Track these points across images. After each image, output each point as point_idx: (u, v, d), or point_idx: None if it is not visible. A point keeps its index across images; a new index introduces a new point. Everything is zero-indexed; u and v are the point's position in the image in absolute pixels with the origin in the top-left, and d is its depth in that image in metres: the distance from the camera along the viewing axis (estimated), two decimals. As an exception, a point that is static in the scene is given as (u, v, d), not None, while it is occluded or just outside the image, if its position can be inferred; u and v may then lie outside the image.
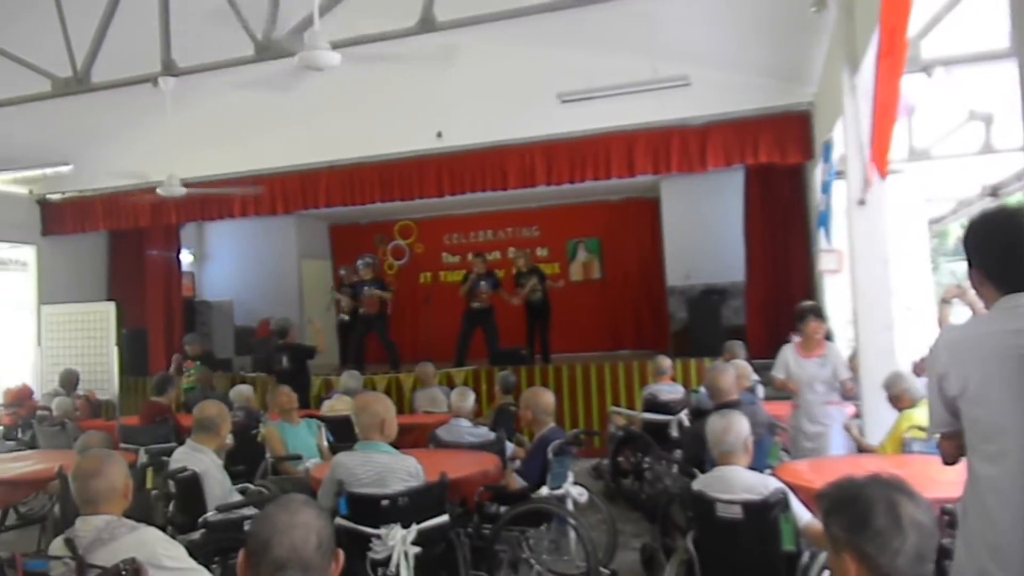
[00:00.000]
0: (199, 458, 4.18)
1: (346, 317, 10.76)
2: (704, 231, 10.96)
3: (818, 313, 5.55)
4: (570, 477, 4.51)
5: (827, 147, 6.67)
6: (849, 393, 5.46)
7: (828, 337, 7.01)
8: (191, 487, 4.08)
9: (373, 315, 10.47)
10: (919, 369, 5.24)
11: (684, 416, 6.39)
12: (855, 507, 1.64)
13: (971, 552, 2.10)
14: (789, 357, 5.52)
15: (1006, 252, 1.96)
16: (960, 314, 6.52)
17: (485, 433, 5.37)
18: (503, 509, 4.30)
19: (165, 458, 4.70)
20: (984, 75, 5.62)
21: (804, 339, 5.51)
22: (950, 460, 2.31)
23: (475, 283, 10.21)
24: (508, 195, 10.03)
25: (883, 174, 4.89)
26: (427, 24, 5.60)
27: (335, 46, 5.23)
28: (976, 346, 2.12)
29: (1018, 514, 1.96)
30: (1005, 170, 6.50)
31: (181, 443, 4.63)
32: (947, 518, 2.71)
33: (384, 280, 11.20)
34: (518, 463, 4.84)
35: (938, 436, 2.37)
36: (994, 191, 9.90)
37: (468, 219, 13.46)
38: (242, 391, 7.02)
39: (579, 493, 4.42)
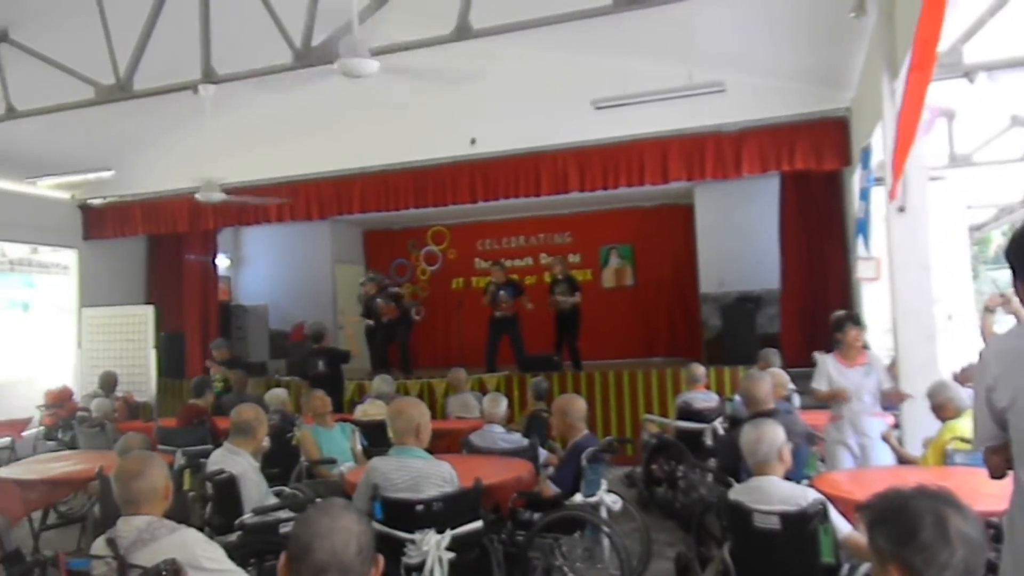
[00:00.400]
0: (236, 460, 4.22)
1: (372, 323, 10.85)
2: (738, 238, 10.87)
3: (857, 321, 5.41)
4: (604, 485, 4.48)
5: (865, 153, 6.57)
6: (896, 402, 5.32)
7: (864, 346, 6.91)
8: (228, 489, 4.12)
9: (395, 321, 10.60)
10: (962, 379, 5.13)
11: (719, 424, 6.32)
12: (902, 519, 1.60)
13: (1018, 566, 2.06)
14: (831, 367, 5.34)
15: None
16: (1003, 323, 6.39)
17: (518, 439, 5.36)
18: (536, 516, 4.29)
19: (202, 460, 4.76)
20: (1029, 80, 5.52)
21: (844, 348, 5.35)
22: (997, 474, 2.27)
23: (495, 293, 10.25)
24: (540, 201, 10.04)
25: (893, 193, 4.81)
26: (463, 32, 5.63)
27: (373, 53, 5.28)
28: None
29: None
30: (1050, 176, 6.33)
31: (218, 445, 4.68)
32: (992, 531, 2.65)
33: (392, 289, 11.23)
34: (551, 470, 4.82)
35: (984, 449, 2.33)
36: (1037, 198, 9.67)
37: (500, 225, 13.50)
38: (277, 394, 7.10)
39: (613, 501, 4.39)
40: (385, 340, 10.79)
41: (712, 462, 5.66)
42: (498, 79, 8.37)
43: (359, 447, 5.72)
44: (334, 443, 5.58)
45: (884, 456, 5.10)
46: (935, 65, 3.85)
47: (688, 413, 6.76)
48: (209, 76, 6.52)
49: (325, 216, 10.51)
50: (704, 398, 6.92)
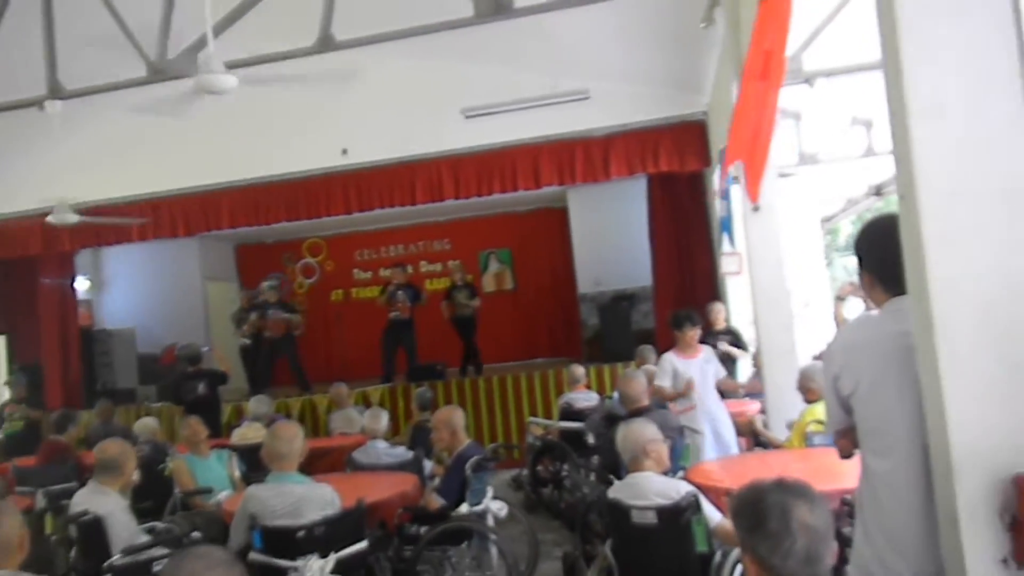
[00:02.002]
0: (102, 500, 3.99)
1: (247, 341, 10.44)
2: (612, 238, 11.19)
3: (694, 320, 5.74)
4: (489, 492, 4.52)
5: (722, 155, 6.92)
6: (731, 391, 5.66)
7: (733, 332, 7.30)
8: (94, 531, 3.89)
9: (279, 338, 10.21)
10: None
11: (592, 422, 6.46)
12: (754, 510, 1.78)
13: (869, 539, 2.22)
14: (674, 363, 5.63)
15: (893, 257, 2.07)
16: (854, 309, 6.87)
17: (403, 453, 5.34)
18: (423, 529, 4.28)
19: (66, 501, 4.48)
20: (863, 84, 5.97)
21: (683, 345, 5.67)
22: (845, 454, 2.43)
23: (393, 293, 10.13)
24: (418, 209, 9.99)
25: (753, 197, 5.10)
26: (326, 43, 5.56)
27: (232, 66, 5.14)
28: (866, 348, 2.25)
29: (909, 504, 2.09)
30: (887, 171, 6.90)
31: (83, 483, 4.42)
32: (847, 508, 2.86)
33: (291, 303, 10.90)
34: (437, 481, 4.82)
35: (833, 433, 2.50)
36: (878, 190, 10.49)
37: (378, 234, 13.35)
38: (147, 424, 6.76)
39: (499, 508, 4.44)
40: (269, 358, 10.43)
41: (595, 460, 5.81)
42: (368, 88, 8.28)
43: (237, 473, 5.53)
44: (210, 471, 5.37)
45: (734, 441, 5.42)
46: (784, 74, 4.11)
47: (570, 413, 6.91)
48: (56, 92, 6.15)
49: (192, 233, 10.09)
50: (584, 398, 7.09)
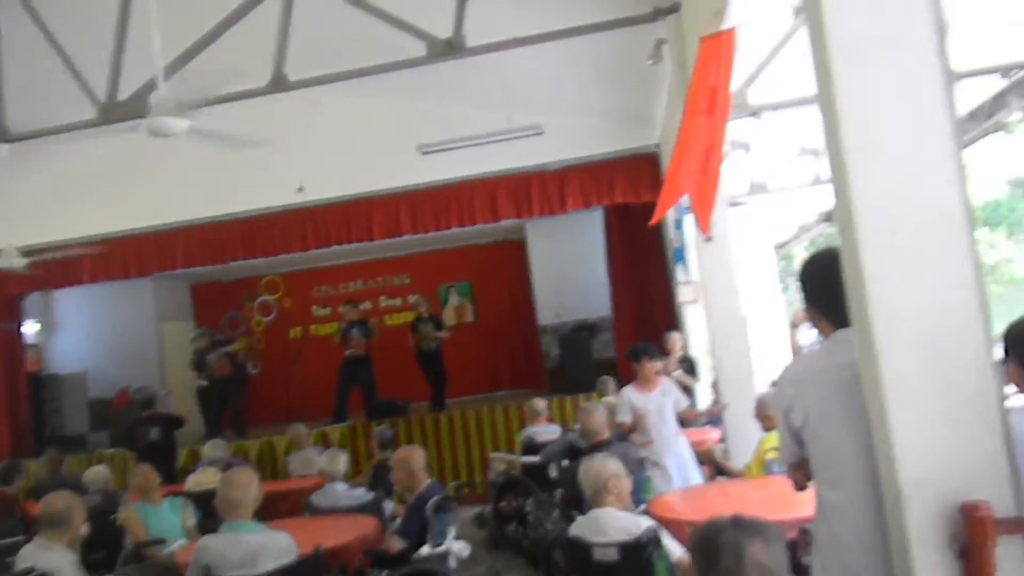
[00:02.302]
0: (49, 556, 3.85)
1: (204, 383, 10.28)
2: (571, 269, 11.26)
3: (652, 353, 5.76)
4: (451, 533, 4.46)
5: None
6: (691, 419, 5.69)
7: (689, 360, 7.34)
8: (41, 588, 3.76)
9: (227, 379, 10.11)
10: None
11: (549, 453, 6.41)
12: (708, 548, 1.81)
13: (826, 571, 2.23)
14: (632, 397, 5.64)
15: (835, 290, 2.11)
16: (808, 335, 6.97)
17: (362, 495, 5.25)
18: (385, 573, 4.21)
19: (10, 558, 4.31)
20: (809, 115, 6.13)
21: (641, 378, 5.68)
22: (799, 487, 2.45)
23: (347, 331, 10.05)
24: (377, 244, 9.97)
25: (705, 229, 5.18)
26: (279, 84, 5.55)
27: (183, 107, 5.08)
28: (814, 380, 2.28)
29: (862, 535, 2.12)
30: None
31: (30, 537, 4.26)
32: (805, 536, 2.87)
33: (223, 349, 10.77)
34: (398, 523, 4.75)
35: (787, 465, 2.52)
36: (828, 217, 10.75)
37: (337, 270, 13.24)
38: (98, 472, 6.55)
39: (461, 548, 4.38)
40: (219, 400, 10.25)
41: (558, 494, 5.78)
42: (323, 125, 8.29)
43: (192, 522, 5.37)
44: (163, 520, 5.21)
45: (696, 472, 5.43)
46: (729, 109, 4.21)
47: (532, 447, 6.87)
48: (3, 135, 6.04)
49: (145, 274, 9.92)
50: (547, 431, 7.08)
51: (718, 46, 3.39)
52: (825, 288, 2.26)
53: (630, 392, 5.67)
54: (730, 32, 3.68)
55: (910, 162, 1.91)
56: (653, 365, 5.67)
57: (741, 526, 1.81)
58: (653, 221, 5.42)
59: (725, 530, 1.80)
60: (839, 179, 1.98)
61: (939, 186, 1.91)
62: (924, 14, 1.93)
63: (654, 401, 5.56)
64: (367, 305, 13.11)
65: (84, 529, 4.21)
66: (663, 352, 6.75)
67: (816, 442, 2.26)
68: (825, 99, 2.00)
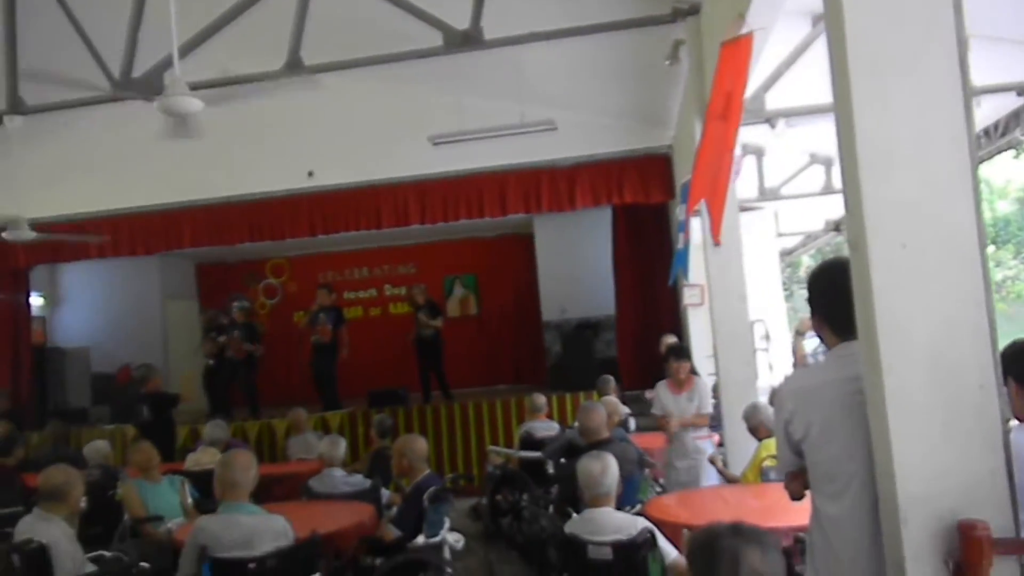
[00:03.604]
0: (47, 528, 3.87)
1: (211, 362, 10.26)
2: (577, 266, 11.24)
3: (679, 354, 5.77)
4: (447, 524, 4.48)
5: (684, 188, 7.01)
6: (700, 424, 5.71)
7: (694, 371, 7.33)
8: (38, 561, 3.77)
9: (239, 360, 10.02)
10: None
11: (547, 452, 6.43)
12: (706, 555, 1.81)
13: (818, 576, 2.24)
14: (664, 395, 5.71)
15: (842, 302, 2.10)
16: (812, 344, 6.95)
17: (360, 481, 5.27)
18: (379, 561, 4.22)
19: (9, 529, 4.33)
20: (822, 124, 6.12)
21: (672, 377, 5.73)
22: (796, 497, 2.45)
23: (315, 315, 9.78)
24: (383, 232, 9.96)
25: (716, 237, 5.18)
26: (294, 67, 5.55)
27: (199, 86, 5.08)
28: (816, 393, 2.27)
29: (858, 548, 2.12)
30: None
31: (30, 508, 4.28)
32: (799, 545, 2.88)
33: (256, 329, 10.64)
34: (395, 510, 4.76)
35: (784, 475, 2.52)
36: (836, 226, 10.73)
37: (343, 256, 13.25)
38: (98, 447, 6.56)
39: (455, 540, 4.39)
40: (226, 380, 10.23)
41: (554, 491, 5.79)
42: (335, 112, 8.28)
43: (189, 501, 5.39)
44: (161, 498, 5.23)
45: (712, 476, 5.42)
46: (740, 115, 4.20)
47: (530, 443, 6.88)
48: (16, 107, 6.05)
49: (152, 252, 9.96)
50: (545, 427, 7.08)
51: (736, 51, 3.38)
52: (832, 299, 2.25)
53: (663, 389, 5.74)
54: (748, 37, 3.67)
55: (925, 176, 1.90)
56: (680, 365, 5.67)
57: (740, 533, 1.81)
58: (716, 239, 5.46)
59: (723, 537, 1.81)
60: (852, 190, 1.97)
61: (953, 202, 1.89)
62: (946, 29, 1.91)
63: (678, 405, 5.61)
64: (372, 292, 13.14)
65: (83, 503, 4.23)
66: (660, 354, 6.76)
67: (816, 455, 2.26)
68: (842, 110, 1.99)
